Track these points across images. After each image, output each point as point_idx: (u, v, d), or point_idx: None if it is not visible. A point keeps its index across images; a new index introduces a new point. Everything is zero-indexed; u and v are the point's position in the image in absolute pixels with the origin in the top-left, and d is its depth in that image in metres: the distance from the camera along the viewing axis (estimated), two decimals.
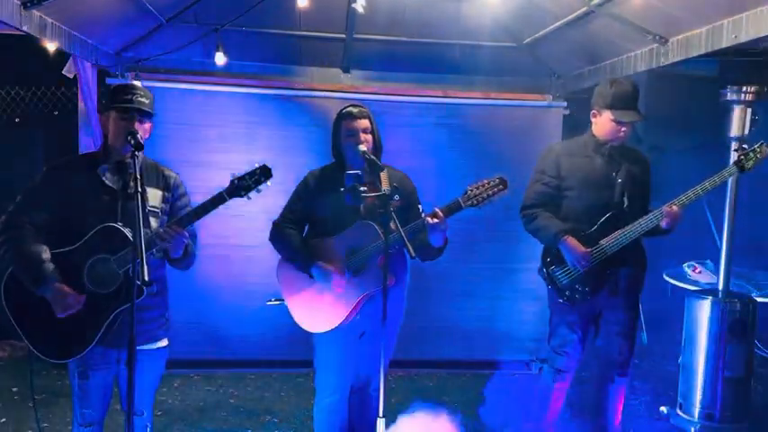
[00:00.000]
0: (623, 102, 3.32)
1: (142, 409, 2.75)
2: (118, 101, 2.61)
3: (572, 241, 3.31)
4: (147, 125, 2.67)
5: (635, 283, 3.51)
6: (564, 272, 3.40)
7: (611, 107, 3.33)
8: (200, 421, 4.17)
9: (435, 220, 2.89)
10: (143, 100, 2.62)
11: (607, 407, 3.58)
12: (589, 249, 3.31)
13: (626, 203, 3.37)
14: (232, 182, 2.63)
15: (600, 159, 3.41)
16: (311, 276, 3.10)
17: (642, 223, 3.28)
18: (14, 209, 2.63)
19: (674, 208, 3.23)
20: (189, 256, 2.76)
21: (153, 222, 2.67)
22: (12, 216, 2.62)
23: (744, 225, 4.16)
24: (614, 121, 3.32)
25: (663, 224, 3.26)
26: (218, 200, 2.63)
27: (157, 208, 2.71)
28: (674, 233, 3.35)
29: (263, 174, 2.63)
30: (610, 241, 3.31)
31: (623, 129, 3.35)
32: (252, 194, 2.64)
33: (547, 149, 3.54)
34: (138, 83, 2.84)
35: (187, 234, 2.63)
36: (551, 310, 3.58)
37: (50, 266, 2.55)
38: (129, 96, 2.60)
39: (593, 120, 3.45)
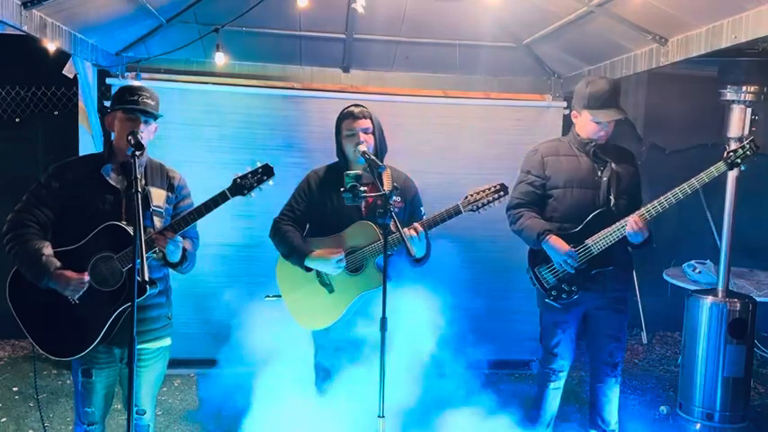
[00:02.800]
0: (599, 101, 3.32)
1: (144, 409, 2.74)
2: (124, 102, 2.63)
3: (555, 240, 3.29)
4: (153, 126, 2.70)
5: (622, 284, 3.50)
6: (550, 271, 3.39)
7: (587, 107, 3.34)
8: (200, 421, 4.16)
9: (412, 233, 2.94)
10: (149, 101, 2.64)
11: (602, 407, 3.58)
12: (574, 248, 3.28)
13: (612, 202, 3.35)
14: (235, 180, 2.65)
15: (585, 158, 3.41)
16: (308, 270, 3.10)
17: (614, 229, 3.26)
18: (20, 208, 2.65)
19: (635, 220, 3.19)
20: (187, 261, 2.75)
21: (157, 222, 2.67)
22: (18, 215, 2.64)
23: (744, 225, 4.16)
24: (592, 121, 3.33)
25: (627, 234, 3.21)
26: (220, 198, 2.65)
27: (161, 208, 2.72)
28: (674, 234, 3.34)
29: (265, 172, 2.66)
30: (595, 240, 3.29)
31: (603, 128, 3.35)
32: (254, 193, 2.65)
33: (532, 150, 3.54)
34: (138, 83, 2.85)
35: (180, 239, 2.63)
36: (541, 310, 3.58)
37: (51, 260, 2.56)
38: (136, 98, 2.63)
39: (573, 120, 3.47)
